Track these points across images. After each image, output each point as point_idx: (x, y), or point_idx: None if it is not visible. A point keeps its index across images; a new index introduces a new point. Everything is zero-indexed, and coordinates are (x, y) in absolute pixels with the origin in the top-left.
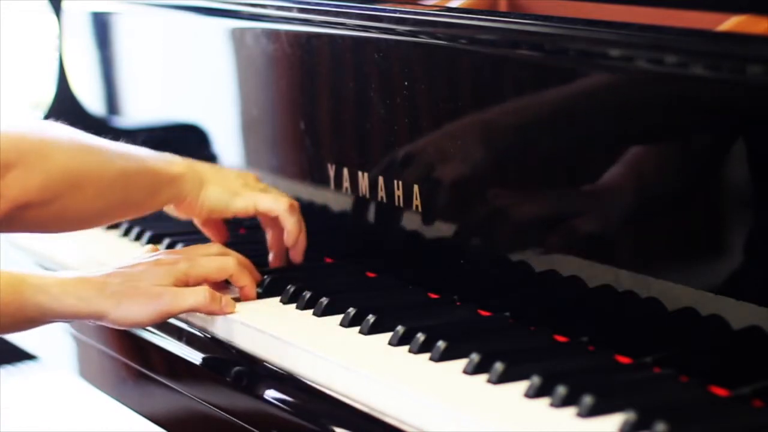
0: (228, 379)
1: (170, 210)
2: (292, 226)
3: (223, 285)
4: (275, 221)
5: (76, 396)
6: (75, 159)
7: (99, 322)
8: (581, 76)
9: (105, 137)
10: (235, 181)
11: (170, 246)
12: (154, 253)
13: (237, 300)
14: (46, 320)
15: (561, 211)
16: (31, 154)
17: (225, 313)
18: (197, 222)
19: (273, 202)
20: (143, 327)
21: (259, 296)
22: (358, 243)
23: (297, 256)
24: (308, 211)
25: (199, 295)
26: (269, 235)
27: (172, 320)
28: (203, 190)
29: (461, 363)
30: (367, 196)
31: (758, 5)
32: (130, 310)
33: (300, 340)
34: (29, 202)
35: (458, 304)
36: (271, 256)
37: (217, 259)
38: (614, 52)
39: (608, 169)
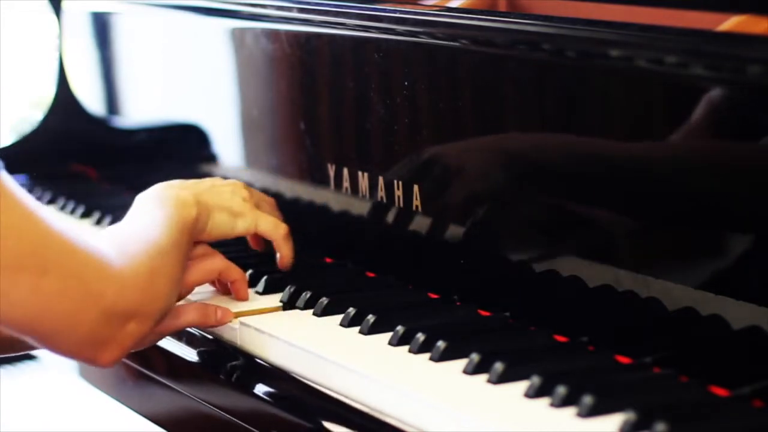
0: (228, 379)
1: None
2: (287, 252)
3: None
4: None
5: (76, 396)
6: (169, 278)
7: None
8: (579, 78)
9: (105, 137)
10: (233, 200)
11: None
12: None
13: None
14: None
15: (561, 212)
16: (147, 298)
17: (223, 324)
18: None
19: (273, 228)
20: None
21: (259, 296)
22: (358, 243)
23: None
24: (308, 211)
25: (193, 312)
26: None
27: None
28: (210, 220)
29: (461, 363)
30: (367, 196)
31: (758, 5)
32: None
33: (300, 340)
34: (138, 345)
35: (458, 304)
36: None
37: (204, 262)
38: (614, 52)
39: (607, 169)
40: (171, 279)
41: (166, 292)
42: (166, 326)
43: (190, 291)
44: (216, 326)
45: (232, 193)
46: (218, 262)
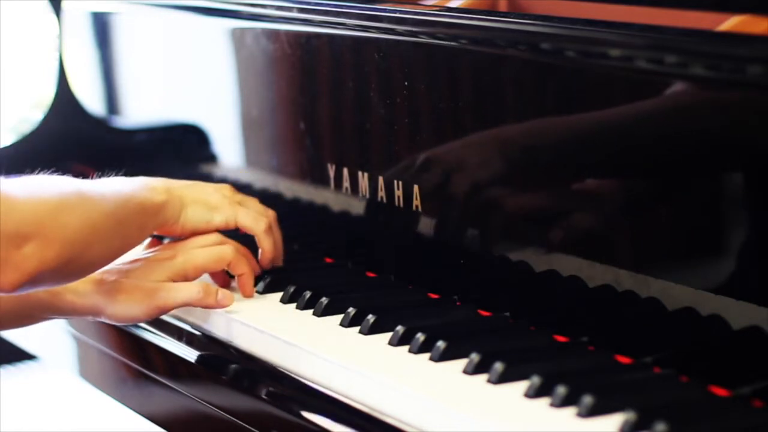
0: (228, 379)
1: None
2: (267, 247)
3: (226, 278)
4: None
5: (76, 396)
6: (84, 219)
7: (96, 319)
8: (581, 76)
9: (105, 137)
10: (213, 196)
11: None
12: (152, 249)
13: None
14: (45, 316)
15: (561, 211)
16: (48, 222)
17: (222, 306)
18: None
19: (253, 220)
20: (139, 322)
21: (259, 296)
22: (358, 243)
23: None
24: (308, 211)
25: (193, 289)
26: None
27: (172, 320)
28: (183, 212)
29: (461, 363)
30: (367, 196)
31: (758, 5)
32: (125, 306)
33: (300, 340)
34: (45, 271)
35: (458, 304)
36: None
37: (213, 248)
38: (614, 52)
39: (608, 169)
40: (88, 222)
41: (76, 228)
42: (165, 300)
43: (197, 275)
44: (215, 307)
45: (213, 190)
46: (229, 252)
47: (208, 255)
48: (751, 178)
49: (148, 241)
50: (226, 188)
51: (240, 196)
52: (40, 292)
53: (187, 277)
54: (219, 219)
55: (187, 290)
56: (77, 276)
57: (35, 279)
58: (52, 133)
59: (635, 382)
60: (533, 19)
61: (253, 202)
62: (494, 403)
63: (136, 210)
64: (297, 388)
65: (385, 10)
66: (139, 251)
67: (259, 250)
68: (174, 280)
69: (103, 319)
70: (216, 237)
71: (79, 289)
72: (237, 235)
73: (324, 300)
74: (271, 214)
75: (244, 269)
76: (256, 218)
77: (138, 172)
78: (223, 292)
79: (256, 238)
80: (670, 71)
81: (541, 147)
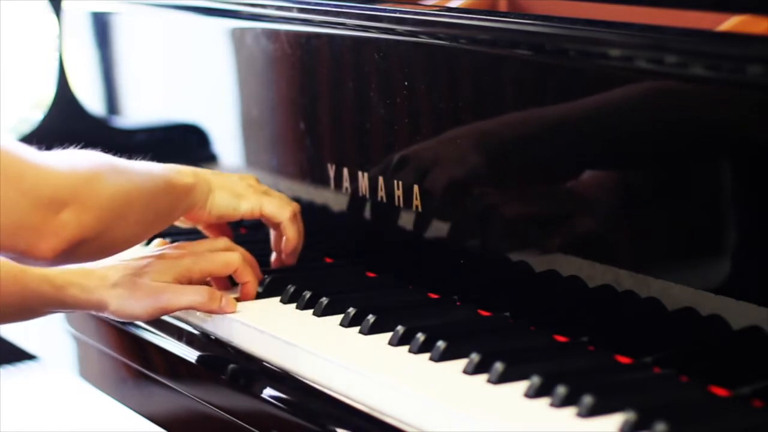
0: (228, 379)
1: (179, 220)
2: (292, 235)
3: (227, 284)
4: (278, 225)
5: (76, 396)
6: (118, 188)
7: (99, 313)
8: (581, 76)
9: (105, 137)
10: (239, 184)
11: (173, 240)
12: (161, 248)
13: (238, 300)
14: (47, 310)
15: (561, 211)
16: (83, 189)
17: (224, 313)
18: (202, 227)
19: (278, 208)
20: (141, 321)
21: (259, 296)
22: (358, 243)
23: (291, 260)
24: (308, 211)
25: (198, 293)
26: (273, 236)
27: (172, 320)
28: (210, 197)
29: (461, 363)
30: (367, 196)
31: (758, 5)
32: (129, 304)
33: (300, 340)
34: (84, 238)
35: (458, 304)
36: (273, 256)
37: (221, 254)
38: (614, 52)
39: (608, 168)
40: (122, 191)
41: (111, 196)
42: (169, 302)
43: (202, 279)
44: (218, 313)
45: (239, 178)
46: (236, 259)
47: (216, 260)
48: (751, 178)
49: (156, 240)
50: (251, 178)
51: (264, 187)
52: (42, 285)
53: (191, 280)
54: (245, 206)
55: (192, 294)
56: (112, 251)
57: (73, 247)
58: (52, 133)
59: (635, 382)
60: (533, 19)
61: (277, 193)
62: (494, 403)
63: (166, 188)
64: (297, 388)
65: (385, 10)
66: (147, 249)
67: (283, 239)
68: (178, 281)
69: (105, 315)
70: (225, 242)
71: (84, 284)
72: (243, 242)
73: (324, 300)
74: (295, 205)
75: (248, 278)
76: (281, 206)
77: None
78: (226, 298)
79: (281, 226)
80: (670, 71)
81: (541, 147)
